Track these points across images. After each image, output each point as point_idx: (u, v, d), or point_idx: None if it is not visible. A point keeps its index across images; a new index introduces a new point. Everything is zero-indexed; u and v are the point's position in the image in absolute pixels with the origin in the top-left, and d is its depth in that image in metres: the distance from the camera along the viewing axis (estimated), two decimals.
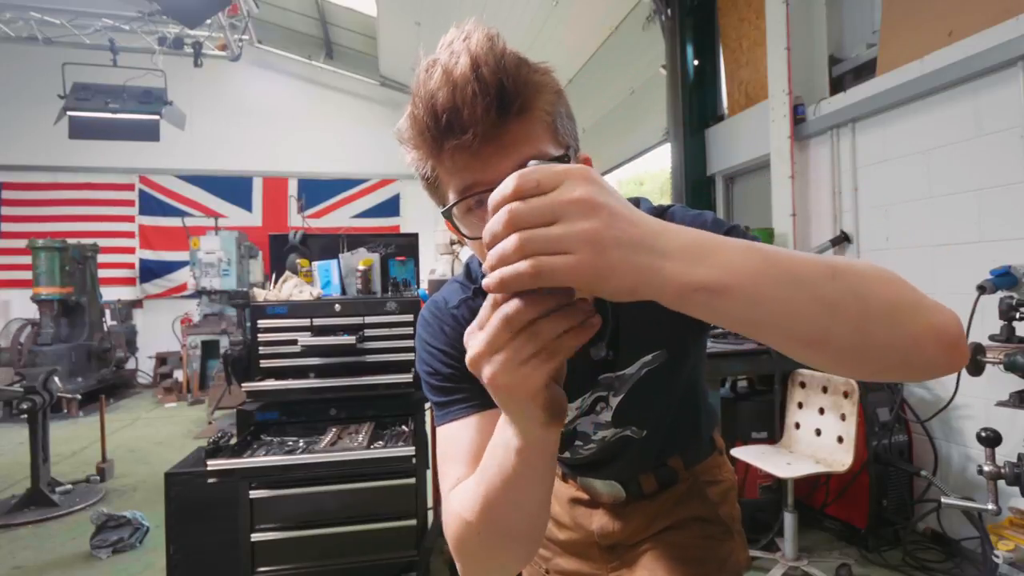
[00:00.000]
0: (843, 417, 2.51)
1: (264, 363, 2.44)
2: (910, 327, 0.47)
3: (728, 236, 0.62)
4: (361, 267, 2.72)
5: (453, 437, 0.74)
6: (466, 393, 0.75)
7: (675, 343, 0.76)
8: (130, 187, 8.91)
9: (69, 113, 6.05)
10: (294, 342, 2.42)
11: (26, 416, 3.50)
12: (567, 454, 0.89)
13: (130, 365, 8.16)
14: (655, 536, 0.93)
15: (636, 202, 0.80)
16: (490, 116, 0.56)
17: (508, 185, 0.41)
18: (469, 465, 0.69)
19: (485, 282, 0.41)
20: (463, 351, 0.73)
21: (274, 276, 2.87)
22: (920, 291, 0.49)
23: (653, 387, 0.78)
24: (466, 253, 2.77)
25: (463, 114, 0.55)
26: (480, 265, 0.80)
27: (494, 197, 0.41)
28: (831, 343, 0.45)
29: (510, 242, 0.39)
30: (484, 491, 0.60)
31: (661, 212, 0.76)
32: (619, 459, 0.90)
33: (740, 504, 0.99)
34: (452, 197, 0.62)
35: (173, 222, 8.69)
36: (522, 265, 0.39)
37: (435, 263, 2.91)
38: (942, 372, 0.50)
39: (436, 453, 0.75)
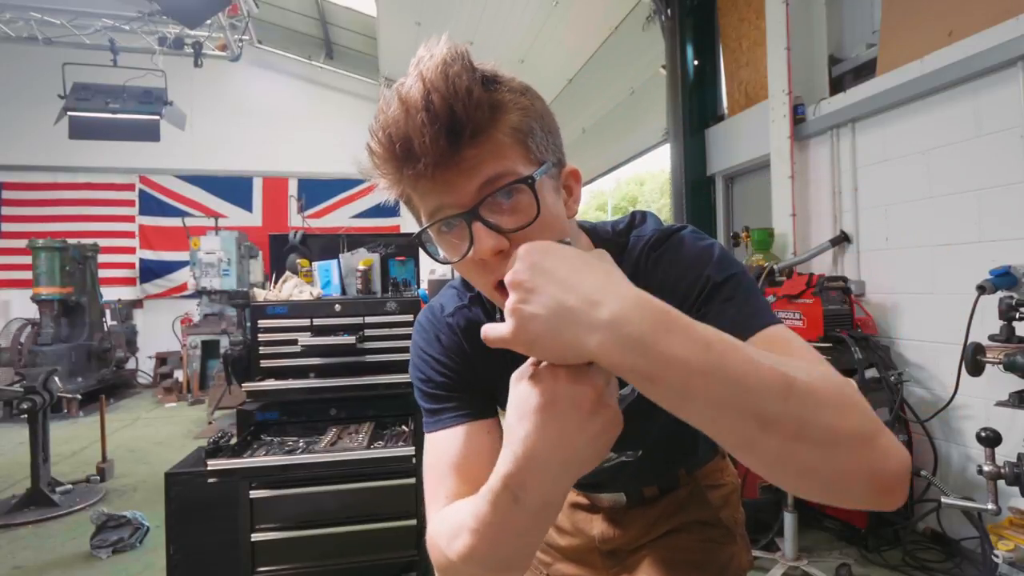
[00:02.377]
0: None
1: (264, 363, 2.44)
2: (843, 462, 0.46)
3: (724, 284, 0.64)
4: (361, 267, 2.72)
5: (441, 447, 0.73)
6: (457, 403, 0.75)
7: None
8: (130, 187, 8.91)
9: (69, 113, 6.04)
10: (294, 342, 2.42)
11: (26, 416, 3.50)
12: None
13: (130, 365, 8.16)
14: (656, 540, 0.92)
15: (643, 219, 0.78)
16: (439, 145, 0.55)
17: None
18: (456, 478, 0.69)
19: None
20: (457, 360, 0.76)
21: (274, 276, 2.87)
22: (877, 424, 0.48)
23: (649, 409, 0.76)
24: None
25: (415, 144, 0.55)
26: None
27: None
28: (755, 454, 0.46)
29: None
30: (475, 541, 0.58)
31: (668, 235, 0.73)
32: (618, 479, 0.90)
33: (742, 504, 0.99)
34: (424, 219, 0.62)
35: (173, 222, 8.68)
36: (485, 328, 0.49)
37: (435, 263, 2.91)
38: (871, 508, 0.50)
39: (423, 461, 0.74)
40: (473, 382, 0.76)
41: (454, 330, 0.78)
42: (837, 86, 3.58)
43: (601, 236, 0.76)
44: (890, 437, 0.49)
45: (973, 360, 2.10)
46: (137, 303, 8.62)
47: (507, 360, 0.60)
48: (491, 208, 0.58)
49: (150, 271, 8.90)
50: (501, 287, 0.58)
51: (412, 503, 2.35)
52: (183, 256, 8.28)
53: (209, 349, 7.00)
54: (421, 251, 0.69)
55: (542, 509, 0.54)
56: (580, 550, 0.98)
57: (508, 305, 0.45)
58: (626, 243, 0.74)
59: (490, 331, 0.46)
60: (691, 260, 0.68)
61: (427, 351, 0.79)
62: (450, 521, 0.63)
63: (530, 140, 0.61)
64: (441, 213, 0.60)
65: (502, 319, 0.66)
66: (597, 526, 0.96)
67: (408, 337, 2.48)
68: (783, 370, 0.45)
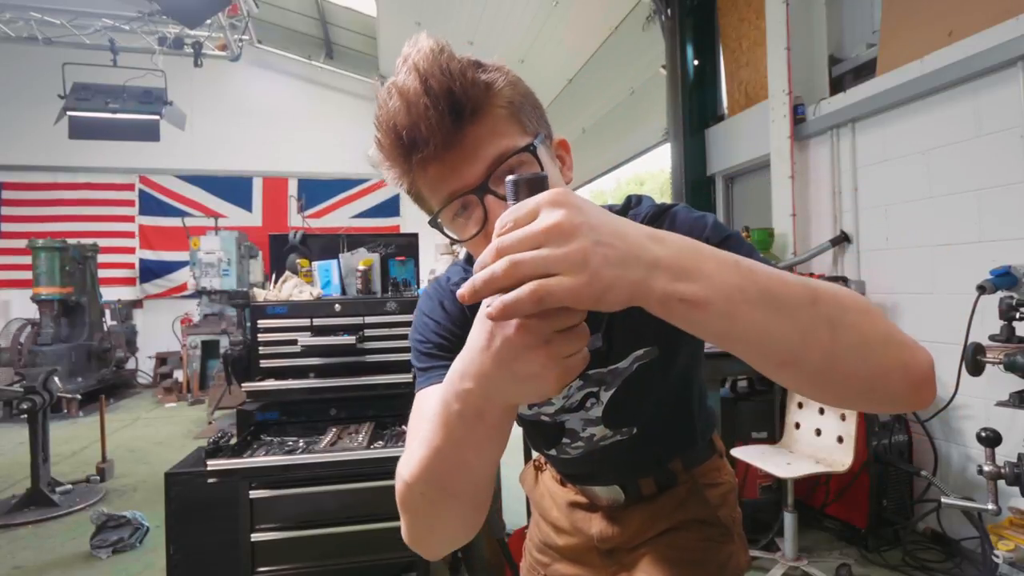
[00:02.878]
0: (843, 417, 2.51)
1: (264, 363, 2.44)
2: (879, 360, 0.49)
3: (724, 244, 0.64)
4: (361, 267, 2.72)
5: (428, 401, 0.72)
6: (449, 362, 0.75)
7: (667, 339, 0.76)
8: (130, 187, 8.91)
9: (69, 113, 6.04)
10: (294, 342, 2.42)
11: (26, 416, 3.50)
12: (554, 452, 0.90)
13: (130, 365, 8.16)
14: (654, 539, 0.92)
15: (639, 200, 0.80)
16: (445, 124, 0.58)
17: (495, 232, 0.43)
18: None
19: (488, 311, 0.42)
20: (458, 326, 0.77)
21: (274, 276, 2.87)
22: (897, 328, 0.51)
23: (645, 383, 0.79)
24: (466, 253, 2.77)
25: (421, 128, 0.58)
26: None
27: (484, 256, 0.43)
28: (800, 366, 0.47)
29: (500, 265, 0.41)
30: (427, 453, 0.59)
31: (663, 211, 0.76)
32: (614, 461, 0.90)
33: (740, 504, 0.99)
34: (435, 205, 0.65)
35: (173, 222, 8.69)
36: (523, 291, 0.40)
37: (435, 263, 2.92)
38: (907, 407, 0.53)
39: (409, 417, 0.75)
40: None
41: (453, 299, 0.79)
42: (837, 86, 3.58)
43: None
44: (909, 336, 0.52)
45: (973, 360, 2.10)
46: (137, 303, 8.62)
47: None
48: (499, 181, 0.60)
49: (150, 271, 8.90)
50: None
51: None
52: (183, 256, 8.29)
53: (209, 349, 7.00)
54: (419, 249, 0.71)
55: (478, 421, 0.54)
56: (578, 550, 0.98)
57: (565, 253, 0.40)
58: None
59: (556, 286, 0.39)
60: (686, 230, 0.69)
61: (429, 315, 0.81)
62: (406, 454, 0.65)
63: (522, 114, 0.65)
64: (454, 195, 0.62)
65: None
66: (595, 524, 0.96)
67: (407, 337, 2.49)
68: (805, 280, 0.48)
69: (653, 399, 0.83)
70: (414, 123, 0.58)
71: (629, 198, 0.82)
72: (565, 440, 0.86)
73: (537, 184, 0.46)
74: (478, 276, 0.42)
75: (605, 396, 0.80)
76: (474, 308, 0.72)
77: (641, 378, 0.78)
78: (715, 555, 0.90)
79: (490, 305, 0.42)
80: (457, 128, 0.59)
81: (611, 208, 0.79)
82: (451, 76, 0.58)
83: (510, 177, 0.49)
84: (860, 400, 0.51)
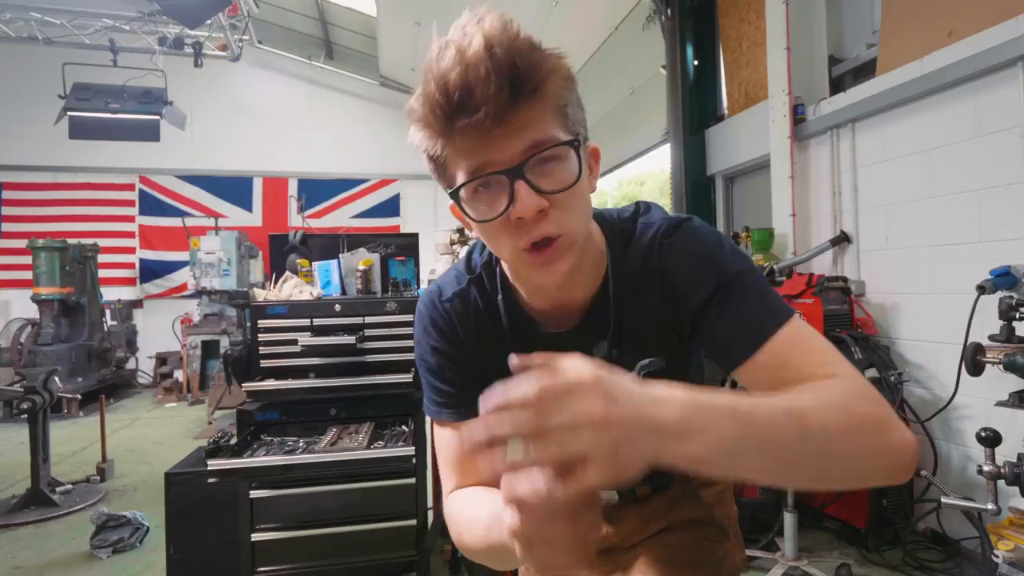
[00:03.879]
0: None
1: (264, 363, 2.44)
2: (863, 471, 0.56)
3: (738, 280, 0.68)
4: (361, 267, 2.72)
5: (444, 441, 0.79)
6: (455, 399, 0.78)
7: (672, 351, 0.77)
8: (130, 187, 8.91)
9: (69, 113, 6.04)
10: (294, 342, 2.42)
11: (26, 416, 3.50)
12: None
13: (130, 365, 8.15)
14: (650, 539, 0.92)
15: (647, 208, 0.79)
16: (502, 95, 0.56)
17: (527, 396, 0.44)
18: (458, 472, 0.76)
19: (510, 497, 0.46)
20: (453, 343, 0.78)
21: (274, 276, 2.87)
22: (889, 426, 0.56)
23: None
24: (465, 258, 2.77)
25: (475, 93, 0.55)
26: (481, 254, 0.82)
27: (508, 399, 0.44)
28: (792, 483, 0.57)
29: (539, 451, 0.43)
30: (477, 549, 0.66)
31: (677, 226, 0.74)
32: None
33: (740, 504, 0.98)
34: (461, 178, 0.62)
35: (173, 222, 8.68)
36: (564, 487, 0.43)
37: (435, 263, 2.91)
38: (885, 484, 0.61)
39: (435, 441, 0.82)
40: (467, 367, 0.79)
41: (451, 314, 0.80)
42: (837, 86, 3.58)
43: (607, 220, 0.78)
44: (899, 428, 0.56)
45: (973, 360, 2.10)
46: (137, 303, 8.61)
47: (501, 349, 0.67)
48: (533, 169, 0.60)
49: (150, 271, 8.89)
50: (532, 248, 0.63)
51: (412, 503, 2.35)
52: (183, 256, 8.27)
53: (209, 349, 6.99)
54: (451, 209, 0.69)
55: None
56: None
57: (599, 446, 0.42)
58: (633, 230, 0.76)
59: (592, 477, 0.43)
60: (702, 255, 0.70)
61: (425, 340, 0.82)
62: (459, 515, 0.71)
63: (569, 108, 0.64)
64: (484, 170, 0.60)
65: (506, 300, 0.76)
66: None
67: (409, 337, 2.50)
68: (794, 410, 0.52)
69: None
70: (468, 86, 0.55)
71: (638, 204, 0.81)
72: None
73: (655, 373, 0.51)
74: (513, 456, 0.44)
75: None
76: (467, 327, 0.77)
77: None
78: (711, 554, 0.90)
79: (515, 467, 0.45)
80: (512, 103, 0.57)
81: (619, 214, 0.80)
82: (518, 50, 0.56)
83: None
84: (848, 488, 0.58)
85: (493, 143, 0.59)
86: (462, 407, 0.77)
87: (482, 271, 0.80)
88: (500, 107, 0.56)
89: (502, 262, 0.77)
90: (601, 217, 0.78)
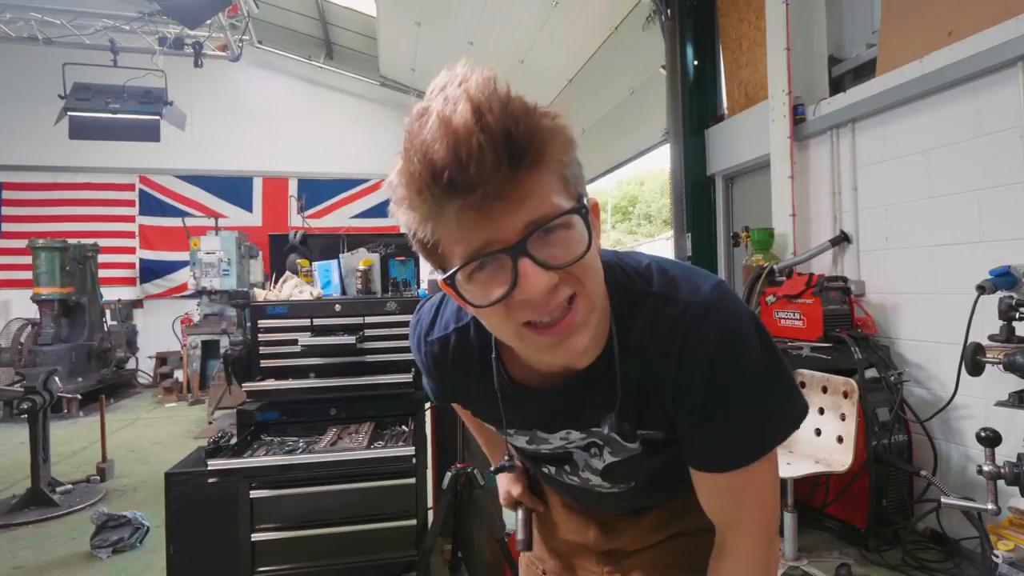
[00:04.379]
0: (843, 417, 2.51)
1: (264, 363, 2.45)
2: None
3: (746, 405, 0.67)
4: (361, 267, 2.72)
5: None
6: (444, 399, 0.93)
7: (670, 426, 0.73)
8: (130, 187, 8.91)
9: (69, 113, 6.04)
10: (294, 342, 2.42)
11: (26, 416, 3.50)
12: (553, 470, 0.87)
13: (130, 365, 8.16)
14: (655, 545, 0.91)
15: (663, 273, 0.71)
16: (500, 171, 0.49)
17: None
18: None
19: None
20: (436, 372, 0.86)
21: (274, 276, 2.87)
22: (774, 558, 0.76)
23: (638, 459, 0.77)
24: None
25: (469, 170, 0.48)
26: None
27: None
28: None
29: None
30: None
31: (703, 315, 0.65)
32: (612, 503, 0.92)
33: None
34: (456, 261, 0.55)
35: (173, 222, 8.68)
36: None
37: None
38: None
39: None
40: (451, 388, 0.86)
41: (432, 353, 0.82)
42: (837, 86, 3.58)
43: (610, 275, 0.68)
44: (777, 551, 0.77)
45: (973, 360, 2.10)
46: (137, 303, 8.61)
47: (487, 391, 0.75)
48: (536, 244, 0.54)
49: (150, 271, 8.89)
50: (529, 324, 0.57)
51: (412, 503, 2.35)
52: (183, 256, 8.28)
53: (209, 349, 6.99)
54: (445, 288, 0.61)
55: None
56: (576, 547, 0.98)
57: None
58: (645, 293, 0.68)
59: None
60: (722, 369, 0.65)
61: (417, 363, 0.89)
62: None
63: (569, 171, 0.57)
64: (483, 251, 0.53)
65: (501, 361, 0.75)
66: (592, 535, 0.95)
67: (408, 337, 2.50)
68: None
69: (647, 468, 0.80)
70: (461, 163, 0.48)
71: (649, 267, 0.71)
72: (566, 468, 0.84)
73: None
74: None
75: (608, 457, 0.78)
76: (449, 371, 0.84)
77: (636, 458, 0.76)
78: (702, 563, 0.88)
79: None
80: (512, 177, 0.50)
81: (624, 269, 0.71)
82: (512, 115, 0.50)
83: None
84: None
85: (492, 220, 0.52)
86: (452, 402, 0.93)
87: (472, 323, 0.75)
88: (499, 184, 0.50)
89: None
90: (611, 271, 0.68)
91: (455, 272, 0.55)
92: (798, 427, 0.69)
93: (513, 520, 1.05)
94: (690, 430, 0.69)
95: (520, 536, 1.00)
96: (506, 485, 1.04)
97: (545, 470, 0.88)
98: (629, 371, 0.68)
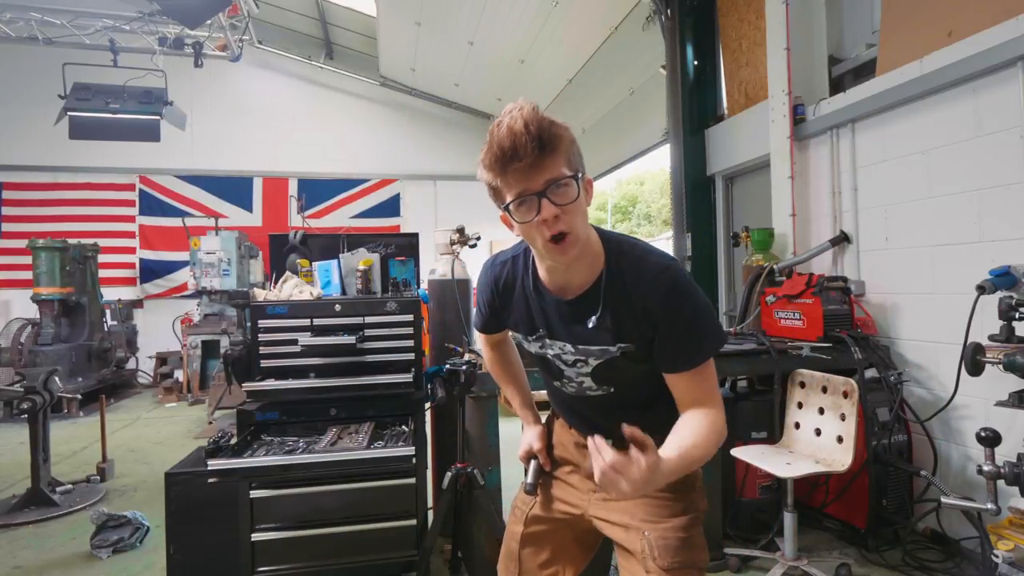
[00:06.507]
0: (843, 417, 2.51)
1: (264, 363, 2.45)
2: (705, 459, 1.09)
3: (692, 322, 1.10)
4: (361, 267, 2.72)
5: (483, 341, 1.50)
6: (486, 320, 1.36)
7: (637, 340, 1.13)
8: (130, 187, 8.91)
9: (69, 113, 6.04)
10: (294, 342, 2.42)
11: (26, 416, 3.50)
12: (557, 383, 1.30)
13: (130, 365, 8.15)
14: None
15: (643, 243, 1.18)
16: (534, 152, 0.97)
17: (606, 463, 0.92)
18: (488, 348, 1.51)
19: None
20: (493, 287, 1.29)
21: (274, 276, 2.87)
22: (720, 429, 1.10)
23: (616, 368, 1.18)
24: (465, 253, 2.88)
25: (519, 152, 0.96)
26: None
27: (599, 464, 0.93)
28: (688, 470, 1.06)
29: (608, 475, 0.92)
30: (497, 372, 1.53)
31: (666, 267, 1.13)
32: (602, 412, 1.28)
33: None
34: (510, 198, 1.01)
35: (173, 222, 8.68)
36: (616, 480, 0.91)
37: (435, 263, 2.92)
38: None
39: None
40: (496, 303, 1.30)
41: (495, 270, 1.29)
42: (837, 86, 3.58)
43: (606, 235, 1.17)
44: (723, 422, 1.11)
45: (973, 360, 2.10)
46: (137, 303, 8.61)
47: (522, 299, 1.23)
48: (551, 192, 1.00)
49: (150, 271, 8.89)
50: (552, 241, 1.02)
51: (412, 503, 2.35)
52: (183, 256, 8.28)
53: (209, 349, 6.99)
54: (502, 217, 1.08)
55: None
56: (571, 464, 1.38)
57: (633, 488, 0.92)
58: (631, 248, 1.17)
59: (623, 488, 0.92)
60: (676, 295, 1.10)
61: (481, 279, 1.33)
62: (490, 356, 1.52)
63: (571, 156, 1.03)
64: (524, 194, 1.00)
65: (533, 273, 1.20)
66: (585, 457, 1.31)
67: (408, 337, 2.52)
68: (688, 455, 1.03)
69: (624, 374, 1.20)
70: (515, 147, 0.96)
71: (645, 247, 1.18)
72: (564, 379, 1.26)
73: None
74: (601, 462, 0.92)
75: (593, 362, 1.18)
76: (500, 285, 1.28)
77: (614, 365, 1.17)
78: (681, 497, 1.24)
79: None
80: (539, 156, 0.97)
81: (618, 236, 1.21)
82: (542, 125, 0.97)
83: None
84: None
85: (530, 178, 0.99)
86: (489, 326, 1.37)
87: (522, 252, 1.26)
88: (534, 158, 0.97)
89: (534, 251, 1.15)
90: (602, 232, 1.17)
91: (509, 204, 1.02)
92: (721, 347, 1.16)
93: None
94: (659, 344, 1.11)
95: (529, 480, 1.36)
96: (528, 439, 1.43)
97: (556, 384, 1.31)
98: (611, 293, 1.12)
